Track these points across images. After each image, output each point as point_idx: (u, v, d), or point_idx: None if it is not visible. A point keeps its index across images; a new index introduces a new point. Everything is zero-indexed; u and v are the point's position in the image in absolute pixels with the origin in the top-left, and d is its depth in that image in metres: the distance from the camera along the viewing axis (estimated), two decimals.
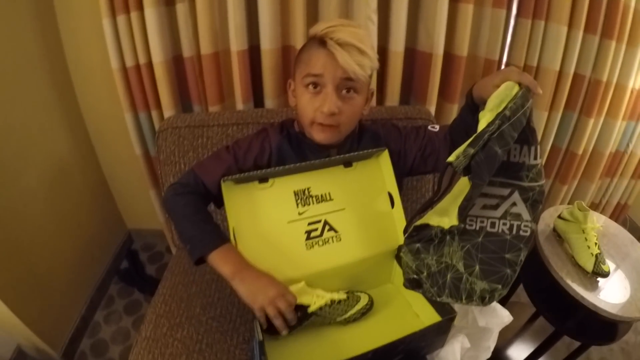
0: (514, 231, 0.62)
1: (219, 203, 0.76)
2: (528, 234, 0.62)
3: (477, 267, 0.63)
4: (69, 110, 1.41)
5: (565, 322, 1.05)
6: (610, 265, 1.04)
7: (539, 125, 1.35)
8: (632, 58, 1.29)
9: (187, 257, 1.13)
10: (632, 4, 1.18)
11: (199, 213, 0.78)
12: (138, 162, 1.41)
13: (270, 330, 0.68)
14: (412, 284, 0.72)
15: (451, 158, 0.56)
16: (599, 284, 1.00)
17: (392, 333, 0.63)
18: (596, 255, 0.99)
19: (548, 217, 1.16)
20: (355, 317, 0.77)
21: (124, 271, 1.68)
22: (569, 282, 0.97)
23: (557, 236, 1.10)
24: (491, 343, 0.84)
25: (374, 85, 1.20)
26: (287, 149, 0.85)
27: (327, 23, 0.74)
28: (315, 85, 0.75)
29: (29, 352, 1.35)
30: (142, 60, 1.17)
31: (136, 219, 1.80)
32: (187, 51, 1.17)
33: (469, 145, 0.55)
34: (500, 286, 0.62)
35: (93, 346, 1.42)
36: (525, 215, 0.62)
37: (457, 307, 0.89)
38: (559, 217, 1.10)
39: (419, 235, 0.71)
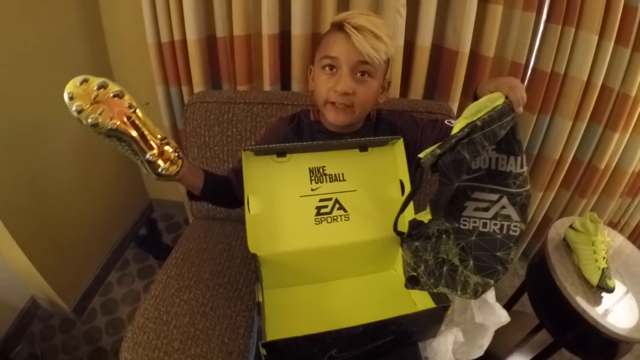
0: (504, 231, 0.67)
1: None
2: (517, 233, 0.66)
3: (472, 263, 0.68)
4: None
5: (564, 334, 1.04)
6: (618, 284, 1.02)
7: (562, 134, 1.34)
8: None
9: (203, 226, 1.19)
10: None
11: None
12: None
13: None
14: (411, 282, 0.78)
15: (421, 155, 0.62)
16: (603, 299, 0.98)
17: (387, 314, 0.65)
18: (603, 270, 0.98)
19: (560, 226, 1.15)
20: None
21: (142, 237, 1.76)
22: (572, 293, 0.96)
23: (567, 246, 1.09)
24: (485, 341, 0.85)
25: (398, 78, 1.22)
26: (292, 139, 0.90)
27: (346, 12, 0.79)
28: (331, 67, 0.80)
29: (42, 304, 1.44)
30: (177, 37, 1.22)
31: (158, 189, 1.87)
32: (220, 31, 1.21)
33: (438, 146, 0.60)
34: (492, 281, 0.66)
35: (104, 304, 1.50)
36: (515, 216, 0.66)
37: (457, 303, 0.91)
38: (571, 227, 1.09)
39: (417, 233, 0.76)
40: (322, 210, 0.79)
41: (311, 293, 0.82)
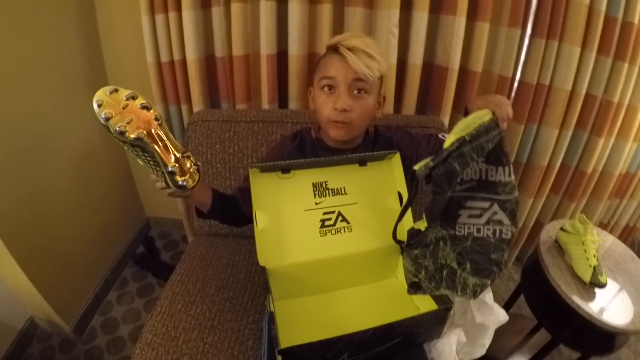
0: (497, 235, 0.72)
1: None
2: (509, 236, 0.72)
3: (469, 266, 0.73)
4: None
5: (562, 331, 1.07)
6: (611, 281, 1.06)
7: (549, 142, 1.39)
8: None
9: (206, 243, 1.21)
10: None
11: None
12: None
13: None
14: (414, 287, 0.82)
15: (416, 167, 0.68)
16: (597, 295, 1.03)
17: (392, 319, 0.68)
18: (594, 267, 1.03)
19: (551, 229, 1.20)
20: None
21: (140, 256, 1.76)
22: (566, 291, 1.00)
23: (559, 247, 1.14)
24: (486, 341, 0.88)
25: (391, 95, 1.26)
26: (296, 156, 0.95)
27: (340, 35, 0.85)
28: (329, 87, 0.85)
29: (41, 324, 1.43)
30: (176, 56, 1.25)
31: (155, 207, 1.88)
32: (219, 51, 1.25)
33: (431, 160, 0.67)
34: (489, 281, 0.71)
35: (104, 323, 1.49)
36: (506, 221, 0.72)
37: (457, 306, 0.95)
38: (561, 229, 1.13)
39: (416, 242, 0.82)
40: (327, 223, 0.83)
41: (318, 302, 0.85)
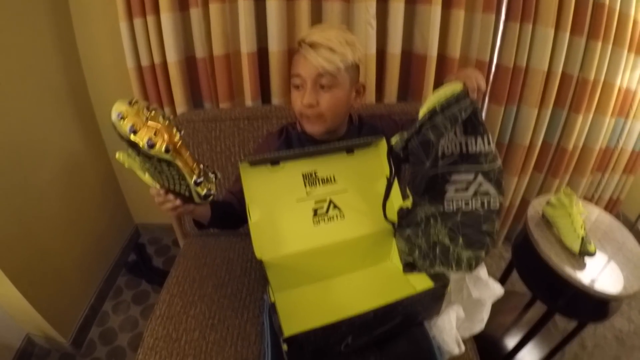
0: (486, 206, 0.74)
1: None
2: (497, 206, 0.74)
3: (461, 240, 0.75)
4: (82, 109, 1.49)
5: (556, 301, 1.10)
6: (600, 250, 1.09)
7: (530, 121, 1.43)
8: (619, 58, 1.36)
9: (198, 243, 1.21)
10: (617, 6, 1.26)
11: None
12: None
13: None
14: (409, 267, 0.85)
15: (392, 141, 0.71)
16: (587, 264, 1.06)
17: (391, 300, 0.69)
18: (582, 237, 1.05)
19: (537, 205, 1.23)
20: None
21: (132, 263, 1.74)
22: (557, 262, 1.03)
23: (546, 221, 1.17)
24: (485, 315, 0.90)
25: (373, 84, 1.28)
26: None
27: (309, 29, 0.87)
28: (299, 84, 0.87)
29: (38, 341, 1.40)
30: (157, 60, 1.24)
31: (144, 214, 1.87)
32: (200, 52, 1.25)
33: (405, 132, 0.71)
34: (483, 252, 0.73)
35: (102, 334, 1.48)
36: (492, 191, 0.74)
37: (452, 284, 0.97)
38: (547, 203, 1.17)
39: (406, 221, 0.83)
40: (319, 212, 0.84)
41: (317, 291, 0.86)
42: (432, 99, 0.69)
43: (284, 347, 0.62)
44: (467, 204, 0.75)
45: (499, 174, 0.74)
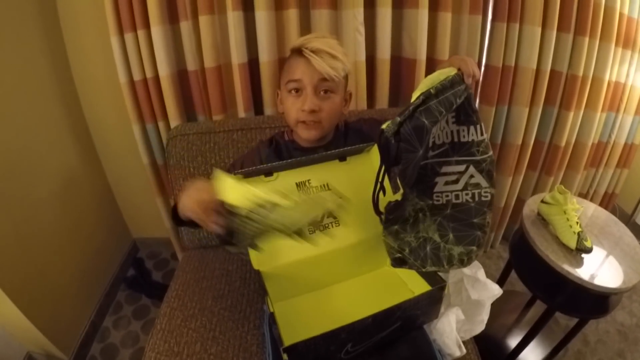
0: (477, 198, 0.72)
1: None
2: (489, 198, 0.71)
3: (451, 235, 0.72)
4: (76, 125, 1.49)
5: (555, 299, 1.10)
6: (597, 245, 1.10)
7: (521, 120, 1.44)
8: (607, 52, 1.38)
9: (197, 256, 1.20)
10: (603, 1, 1.28)
11: None
12: (142, 173, 1.49)
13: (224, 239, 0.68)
14: (397, 262, 0.80)
15: (384, 125, 0.66)
16: (585, 260, 1.06)
17: (389, 305, 0.70)
18: (578, 233, 1.06)
19: (532, 203, 1.24)
20: (316, 223, 0.78)
21: (131, 278, 1.74)
22: (555, 259, 1.04)
23: (542, 219, 1.17)
24: (484, 316, 0.91)
25: (364, 90, 1.29)
26: (274, 159, 0.96)
27: (304, 37, 0.87)
28: (297, 89, 0.87)
29: (39, 359, 1.39)
30: (149, 74, 1.25)
31: (141, 229, 1.86)
32: (191, 65, 1.26)
33: (398, 115, 0.65)
34: (475, 247, 0.71)
35: (103, 350, 1.47)
36: (484, 183, 0.71)
37: (451, 287, 0.97)
38: (542, 201, 1.17)
39: (394, 217, 0.78)
40: (314, 220, 0.84)
41: (316, 299, 0.86)
42: (425, 82, 0.67)
43: (285, 356, 0.62)
44: (457, 197, 0.73)
45: (490, 164, 0.71)
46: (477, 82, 0.72)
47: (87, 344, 1.46)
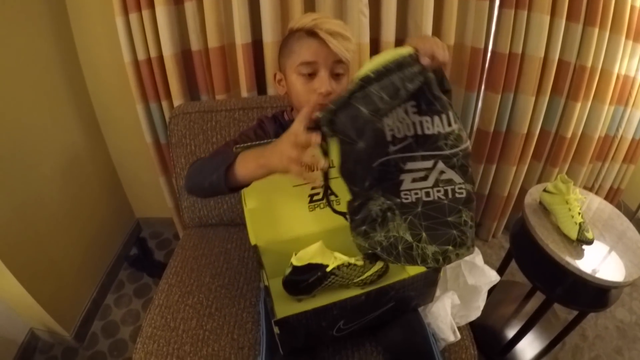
0: (450, 195, 0.65)
1: None
2: (464, 195, 0.65)
3: (424, 234, 0.66)
4: (81, 104, 1.50)
5: (554, 290, 1.10)
6: (599, 239, 1.09)
7: (527, 109, 1.42)
8: (616, 45, 1.35)
9: (197, 234, 1.21)
10: None
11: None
12: (146, 153, 1.50)
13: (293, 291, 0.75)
14: (371, 257, 0.76)
15: (318, 114, 0.59)
16: (585, 252, 1.05)
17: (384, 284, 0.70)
18: (580, 224, 1.05)
19: (535, 192, 1.23)
20: (372, 279, 0.84)
21: (133, 257, 1.75)
22: (555, 249, 1.03)
23: (544, 209, 1.16)
24: (481, 302, 0.91)
25: None
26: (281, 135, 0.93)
27: (310, 16, 0.83)
28: (310, 72, 0.83)
29: (42, 335, 1.42)
30: (153, 54, 1.25)
31: (144, 208, 1.88)
32: (195, 45, 1.26)
33: (331, 102, 0.58)
34: (450, 247, 0.65)
35: (104, 328, 1.49)
36: (457, 178, 0.65)
37: (449, 272, 0.97)
38: (545, 190, 1.16)
39: (360, 217, 0.70)
40: (315, 198, 0.84)
41: None
42: (368, 65, 0.57)
43: (276, 329, 0.63)
44: (427, 194, 0.66)
45: (464, 157, 0.64)
46: (444, 66, 0.61)
47: (88, 321, 1.49)
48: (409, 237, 0.67)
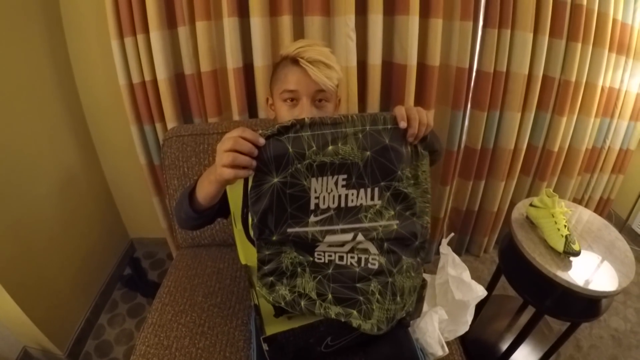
0: (362, 264, 0.68)
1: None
2: (376, 266, 0.67)
3: (330, 296, 0.68)
4: (77, 125, 1.53)
5: (544, 302, 1.11)
6: (586, 250, 1.11)
7: (513, 125, 1.46)
8: (600, 58, 1.40)
9: (190, 254, 1.23)
10: (595, 7, 1.30)
11: None
12: (140, 174, 1.53)
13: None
14: (276, 310, 0.75)
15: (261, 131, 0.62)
16: (572, 263, 1.07)
17: None
18: (566, 236, 1.07)
19: (522, 207, 1.25)
20: None
21: (127, 277, 1.76)
22: (542, 262, 1.04)
23: (530, 223, 1.19)
24: (469, 317, 0.92)
25: (355, 95, 1.31)
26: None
27: (296, 44, 0.86)
28: (292, 99, 0.86)
29: (35, 354, 1.42)
30: (147, 77, 1.29)
31: (138, 229, 1.89)
32: (188, 69, 1.29)
33: (261, 128, 0.63)
34: (354, 311, 0.67)
35: (98, 347, 1.49)
36: (373, 249, 0.67)
37: (438, 287, 0.98)
38: (531, 205, 1.18)
39: (269, 268, 0.70)
40: None
41: None
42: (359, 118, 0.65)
43: (265, 346, 0.64)
44: (341, 258, 0.68)
45: (385, 234, 0.67)
46: (416, 137, 0.68)
47: (82, 340, 1.49)
48: (313, 295, 0.68)
